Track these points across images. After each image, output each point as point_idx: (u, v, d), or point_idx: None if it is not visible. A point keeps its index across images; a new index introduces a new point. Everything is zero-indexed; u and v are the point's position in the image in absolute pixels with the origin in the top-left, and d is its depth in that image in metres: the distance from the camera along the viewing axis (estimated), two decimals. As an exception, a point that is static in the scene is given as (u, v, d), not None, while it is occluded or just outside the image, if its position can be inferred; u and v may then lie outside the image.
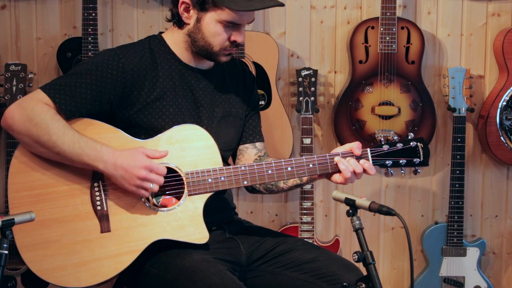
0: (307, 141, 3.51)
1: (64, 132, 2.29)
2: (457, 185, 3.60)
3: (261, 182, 2.41)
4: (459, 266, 3.68)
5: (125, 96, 2.42)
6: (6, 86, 3.41)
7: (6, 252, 2.09)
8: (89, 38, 3.41)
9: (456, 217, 3.63)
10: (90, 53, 3.40)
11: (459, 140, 3.56)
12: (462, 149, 3.57)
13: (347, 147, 2.45)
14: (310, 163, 2.42)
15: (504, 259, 3.91)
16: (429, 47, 3.73)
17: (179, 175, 2.39)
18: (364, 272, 2.23)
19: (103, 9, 3.61)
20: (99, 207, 2.33)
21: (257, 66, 3.56)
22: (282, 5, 2.44)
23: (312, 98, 3.52)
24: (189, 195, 2.38)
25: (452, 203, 3.62)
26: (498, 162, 3.79)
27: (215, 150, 2.43)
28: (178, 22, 2.50)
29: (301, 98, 3.53)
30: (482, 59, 3.78)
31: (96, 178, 2.35)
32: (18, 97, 3.39)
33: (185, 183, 2.38)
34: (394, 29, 3.54)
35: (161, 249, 2.37)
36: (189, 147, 2.41)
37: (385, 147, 2.45)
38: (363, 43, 3.59)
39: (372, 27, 3.58)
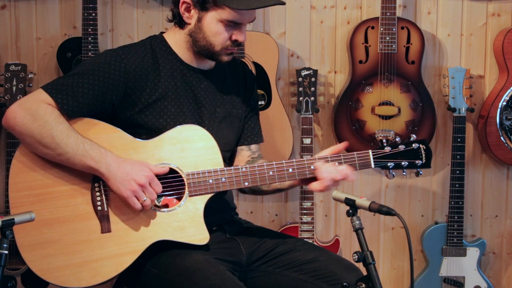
0: (307, 141, 3.51)
1: (68, 134, 2.29)
2: (457, 185, 3.60)
3: (262, 183, 2.42)
4: (459, 266, 3.68)
5: (127, 97, 2.42)
6: (6, 86, 3.41)
7: (6, 252, 2.09)
8: (89, 38, 3.41)
9: (456, 217, 3.64)
10: (90, 53, 3.40)
11: (459, 140, 3.56)
12: (462, 149, 3.57)
13: (335, 148, 2.44)
14: (311, 164, 2.42)
15: (504, 259, 3.91)
16: (429, 47, 3.74)
17: (180, 176, 2.39)
18: (364, 272, 2.23)
19: (103, 9, 3.61)
20: (99, 207, 2.33)
21: (257, 66, 3.56)
22: (282, 3, 2.44)
23: (312, 98, 3.52)
24: (189, 195, 2.38)
25: (452, 203, 3.62)
26: (498, 162, 3.79)
27: (216, 151, 2.43)
28: (179, 22, 2.50)
29: (301, 98, 3.53)
30: (482, 59, 3.78)
31: (97, 178, 2.35)
32: (18, 97, 3.39)
33: (186, 183, 2.38)
34: (394, 29, 3.54)
35: (162, 249, 2.37)
36: (190, 147, 2.41)
37: (387, 149, 2.45)
38: (363, 43, 3.59)
39: (372, 27, 3.58)
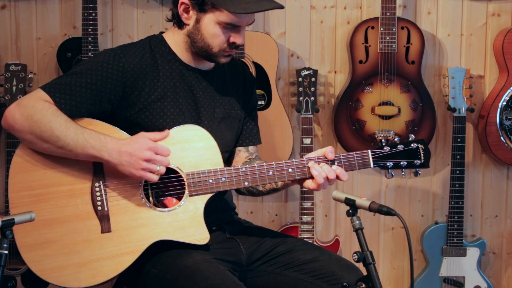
0: (307, 141, 3.51)
1: (67, 126, 2.29)
2: (457, 185, 3.60)
3: (262, 183, 2.42)
4: (459, 266, 3.68)
5: (126, 96, 2.42)
6: (6, 86, 3.41)
7: (6, 252, 2.09)
8: (89, 38, 3.41)
9: (456, 217, 3.64)
10: (90, 53, 3.40)
11: (459, 140, 3.56)
12: (462, 149, 3.57)
13: (320, 152, 2.44)
14: (308, 163, 2.42)
15: (504, 259, 3.91)
16: (429, 47, 3.74)
17: (180, 176, 2.39)
18: (364, 272, 2.23)
19: (103, 9, 3.61)
20: (99, 207, 2.33)
21: (257, 66, 3.56)
22: (281, 7, 2.43)
23: (312, 98, 3.52)
24: (189, 195, 2.38)
25: (452, 203, 3.62)
26: (498, 162, 3.79)
27: (216, 151, 2.43)
28: (178, 22, 2.50)
29: (301, 98, 3.53)
30: (482, 59, 3.78)
31: (97, 178, 2.35)
32: (18, 97, 3.39)
33: (186, 183, 2.38)
34: (394, 29, 3.54)
35: (162, 249, 2.37)
36: (190, 147, 2.41)
37: (386, 149, 2.45)
38: (363, 43, 3.59)
39: (372, 27, 3.58)
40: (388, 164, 2.46)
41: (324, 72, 3.74)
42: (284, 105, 3.62)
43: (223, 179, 2.40)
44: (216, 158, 2.42)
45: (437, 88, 3.76)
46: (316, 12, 3.72)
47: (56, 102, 2.32)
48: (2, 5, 3.58)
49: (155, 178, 2.31)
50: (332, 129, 3.70)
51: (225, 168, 2.41)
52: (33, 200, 2.30)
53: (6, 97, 3.41)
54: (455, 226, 3.64)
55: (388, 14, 3.52)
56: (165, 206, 2.38)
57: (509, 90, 3.60)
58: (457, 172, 3.59)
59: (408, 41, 3.59)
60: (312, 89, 3.53)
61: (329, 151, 2.41)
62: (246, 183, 2.41)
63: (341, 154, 2.43)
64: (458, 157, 3.58)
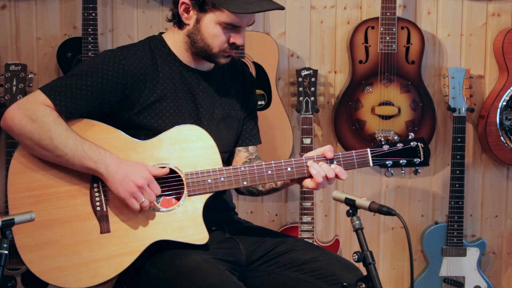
0: (307, 141, 3.51)
1: (67, 136, 2.29)
2: (457, 185, 3.60)
3: (261, 182, 2.41)
4: (459, 266, 3.68)
5: (126, 98, 2.42)
6: (6, 86, 3.41)
7: (6, 252, 2.09)
8: (89, 38, 3.41)
9: (456, 217, 3.63)
10: (90, 53, 3.40)
11: (459, 140, 3.56)
12: (462, 149, 3.57)
13: (319, 151, 2.44)
14: (307, 162, 2.42)
15: (504, 259, 3.91)
16: (429, 47, 3.73)
17: (179, 176, 2.39)
18: (364, 272, 2.23)
19: (103, 9, 3.61)
20: (98, 208, 2.33)
21: (257, 66, 3.56)
22: (281, 8, 2.43)
23: (312, 98, 3.52)
24: (188, 195, 2.38)
25: (452, 203, 3.62)
26: (498, 162, 3.79)
27: (214, 151, 2.43)
28: (178, 22, 2.50)
29: (301, 98, 3.53)
30: (482, 59, 3.78)
31: (96, 178, 2.35)
32: (18, 97, 3.39)
33: (184, 183, 2.38)
34: (394, 29, 3.54)
35: (161, 249, 2.37)
36: (189, 147, 2.41)
37: (385, 147, 2.45)
38: (363, 43, 3.59)
39: (372, 27, 3.58)
40: (387, 162, 2.45)
41: (324, 72, 3.74)
42: (284, 105, 3.62)
43: (222, 179, 2.40)
44: (215, 158, 2.42)
45: (437, 88, 3.76)
46: (316, 12, 3.72)
47: (56, 105, 2.32)
48: (2, 5, 3.58)
49: (136, 206, 2.31)
50: (332, 129, 3.70)
51: (224, 167, 2.41)
52: (33, 201, 2.30)
53: (6, 97, 3.41)
54: (455, 226, 3.64)
55: (388, 14, 3.52)
56: (164, 206, 2.38)
57: (509, 90, 3.59)
58: (457, 172, 3.59)
59: (408, 41, 3.59)
60: (312, 89, 3.53)
61: (328, 150, 2.41)
62: (245, 183, 2.41)
63: (340, 153, 2.43)
64: (458, 157, 3.58)
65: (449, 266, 3.68)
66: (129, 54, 2.44)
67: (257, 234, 2.59)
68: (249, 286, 2.47)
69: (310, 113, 3.52)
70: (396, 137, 2.48)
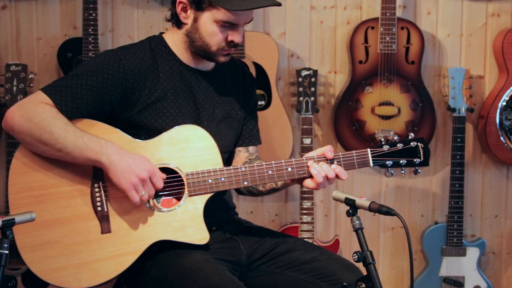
0: (307, 141, 3.51)
1: (66, 129, 2.29)
2: (457, 185, 3.61)
3: (261, 182, 2.42)
4: (459, 266, 3.68)
5: (126, 97, 2.42)
6: (7, 87, 3.42)
7: (7, 252, 2.09)
8: (90, 39, 3.42)
9: (456, 217, 3.64)
10: (90, 54, 3.41)
11: (459, 140, 3.57)
12: (462, 149, 3.57)
13: (319, 151, 2.44)
14: (307, 162, 2.42)
15: (504, 259, 3.91)
16: (429, 47, 3.74)
17: (180, 176, 2.39)
18: (364, 272, 2.23)
19: (103, 9, 3.61)
20: (99, 208, 2.33)
21: (257, 66, 3.56)
22: (278, 4, 2.42)
23: (312, 98, 3.52)
24: (189, 195, 2.39)
25: (452, 203, 3.63)
26: (498, 162, 3.79)
27: (215, 151, 2.43)
28: (176, 22, 2.50)
29: (301, 98, 3.53)
30: (482, 59, 3.78)
31: (97, 178, 2.35)
32: (18, 97, 3.39)
33: (185, 183, 2.38)
34: (394, 29, 3.54)
35: (162, 249, 2.37)
36: (189, 147, 2.41)
37: (385, 147, 2.45)
38: (363, 43, 3.60)
39: (372, 27, 3.58)
40: (387, 162, 2.46)
41: (324, 72, 3.74)
42: (284, 105, 3.63)
43: (223, 179, 2.40)
44: (215, 158, 2.42)
45: (437, 88, 3.76)
46: (316, 12, 3.72)
47: (57, 104, 2.32)
48: (2, 5, 3.59)
49: (136, 199, 2.30)
50: (332, 129, 3.71)
51: (224, 168, 2.41)
52: (33, 201, 2.30)
53: (6, 97, 3.41)
54: (455, 226, 3.64)
55: (388, 14, 3.53)
56: (164, 206, 2.39)
57: (508, 90, 3.60)
58: (457, 172, 3.59)
59: (408, 41, 3.59)
60: (312, 89, 3.53)
61: (328, 150, 2.42)
62: (245, 183, 2.41)
63: (340, 153, 2.43)
64: (458, 157, 3.58)
65: (449, 266, 3.68)
66: (130, 54, 2.45)
67: (257, 234, 2.59)
68: (249, 286, 2.46)
69: (310, 113, 3.53)
70: (396, 137, 2.48)
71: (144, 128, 2.43)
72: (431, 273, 3.71)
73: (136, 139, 2.39)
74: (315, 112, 3.55)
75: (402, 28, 3.59)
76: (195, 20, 2.44)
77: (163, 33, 2.59)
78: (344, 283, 2.24)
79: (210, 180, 2.39)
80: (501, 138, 3.63)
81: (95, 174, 2.35)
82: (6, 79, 3.42)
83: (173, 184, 2.39)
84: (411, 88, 3.60)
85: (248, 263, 2.51)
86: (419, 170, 2.50)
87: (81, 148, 2.28)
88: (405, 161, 2.47)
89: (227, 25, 2.42)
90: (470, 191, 3.83)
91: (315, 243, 3.55)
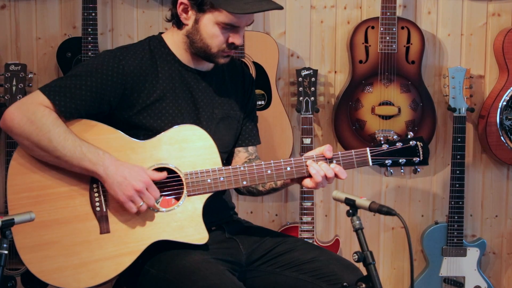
0: (307, 141, 3.50)
1: (65, 137, 2.29)
2: (457, 185, 3.60)
3: (260, 182, 2.41)
4: (459, 266, 3.68)
5: (125, 98, 2.41)
6: (6, 86, 3.42)
7: (6, 252, 2.09)
8: (89, 38, 3.41)
9: (456, 217, 3.63)
10: (90, 53, 3.40)
11: (459, 140, 3.56)
12: (462, 149, 3.57)
13: (318, 151, 2.44)
14: (307, 161, 2.42)
15: (504, 259, 3.90)
16: (429, 47, 3.73)
17: (178, 176, 2.39)
18: (364, 272, 2.22)
19: (103, 9, 3.61)
20: (98, 208, 2.33)
21: (257, 66, 3.56)
22: (280, 8, 2.43)
23: (312, 98, 3.52)
24: (188, 195, 2.38)
25: (452, 203, 3.62)
26: (498, 162, 3.78)
27: (214, 151, 2.43)
28: (177, 22, 2.50)
29: (301, 98, 3.53)
30: (482, 59, 3.77)
31: (95, 179, 2.34)
32: (18, 97, 3.39)
33: (184, 183, 2.38)
34: (394, 29, 3.54)
35: (161, 249, 2.37)
36: (188, 147, 2.40)
37: (385, 147, 2.45)
38: (363, 43, 3.59)
39: (372, 27, 3.57)
40: (386, 162, 2.45)
41: (324, 72, 3.73)
42: (284, 105, 3.62)
43: (222, 179, 2.40)
44: (214, 157, 2.42)
45: (437, 88, 3.76)
46: (316, 12, 3.72)
47: (55, 105, 2.32)
48: (2, 5, 3.58)
49: (133, 210, 2.31)
50: (332, 129, 3.70)
51: (223, 167, 2.41)
52: (32, 202, 2.30)
53: (6, 97, 3.41)
54: (455, 226, 3.64)
55: (388, 14, 3.52)
56: (163, 206, 2.38)
57: (509, 90, 3.59)
58: (457, 172, 3.59)
59: (408, 41, 3.59)
60: (312, 89, 3.52)
61: (327, 150, 2.41)
62: (244, 182, 2.41)
63: (339, 152, 2.43)
64: (458, 157, 3.57)
65: (449, 266, 3.68)
66: (129, 54, 2.44)
67: (257, 234, 2.59)
68: (249, 286, 2.46)
69: (310, 113, 3.52)
70: (396, 137, 2.48)
71: (143, 128, 2.42)
72: (431, 273, 3.70)
73: (135, 139, 2.39)
74: (315, 112, 3.55)
75: (402, 28, 3.59)
76: (196, 21, 2.44)
77: (162, 33, 2.58)
78: (344, 283, 2.24)
79: (209, 180, 2.39)
80: (502, 138, 3.63)
81: (94, 175, 2.35)
82: (5, 78, 3.41)
83: (172, 184, 2.39)
84: (411, 88, 3.60)
85: (248, 263, 2.51)
86: (419, 169, 2.50)
87: (79, 158, 2.28)
88: (404, 160, 2.47)
89: (228, 27, 2.42)
90: (471, 191, 3.83)
91: (315, 243, 3.54)
